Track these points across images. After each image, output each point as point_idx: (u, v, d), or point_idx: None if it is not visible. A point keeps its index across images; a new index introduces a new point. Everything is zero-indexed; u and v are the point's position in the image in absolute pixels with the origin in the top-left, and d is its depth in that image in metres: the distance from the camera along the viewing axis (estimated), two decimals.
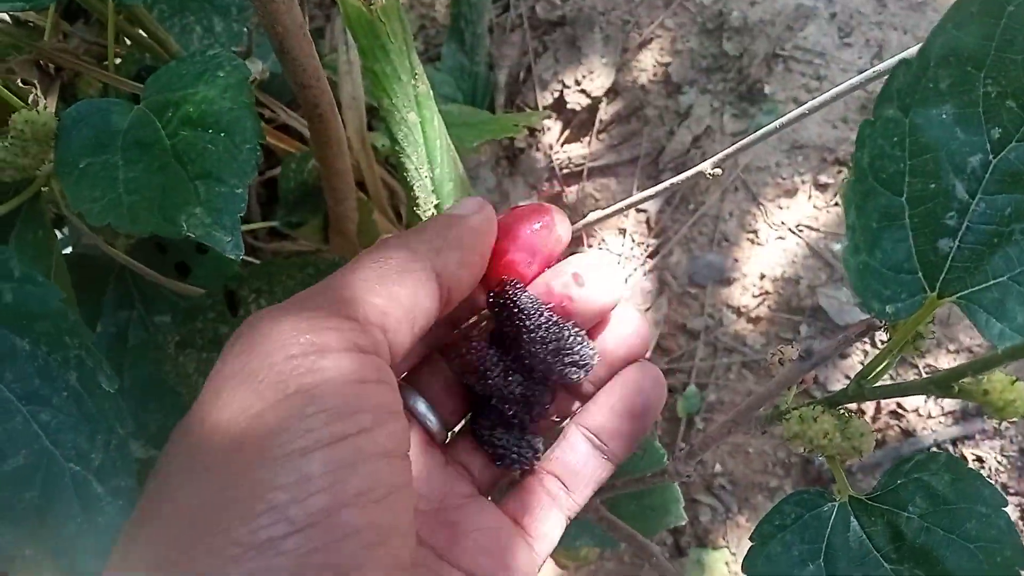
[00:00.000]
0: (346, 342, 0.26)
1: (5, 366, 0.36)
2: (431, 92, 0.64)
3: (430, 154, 0.66)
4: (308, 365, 0.25)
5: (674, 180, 0.72)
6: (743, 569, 0.37)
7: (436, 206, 0.69)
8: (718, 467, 1.09)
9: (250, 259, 0.89)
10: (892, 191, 0.31)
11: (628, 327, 0.38)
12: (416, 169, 0.65)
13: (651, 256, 1.10)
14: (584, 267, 0.36)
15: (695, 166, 1.04)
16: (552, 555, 0.72)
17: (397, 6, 0.58)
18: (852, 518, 0.37)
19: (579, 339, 0.35)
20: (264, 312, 0.27)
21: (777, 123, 0.63)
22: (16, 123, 0.41)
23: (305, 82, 0.44)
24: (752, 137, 0.64)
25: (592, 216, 0.79)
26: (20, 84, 0.69)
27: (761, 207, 1.10)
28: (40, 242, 0.46)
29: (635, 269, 1.10)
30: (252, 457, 0.23)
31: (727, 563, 1.11)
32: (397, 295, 0.29)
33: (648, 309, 1.09)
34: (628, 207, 0.76)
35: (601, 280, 0.36)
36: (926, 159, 0.31)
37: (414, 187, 0.66)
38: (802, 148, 1.09)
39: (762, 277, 1.09)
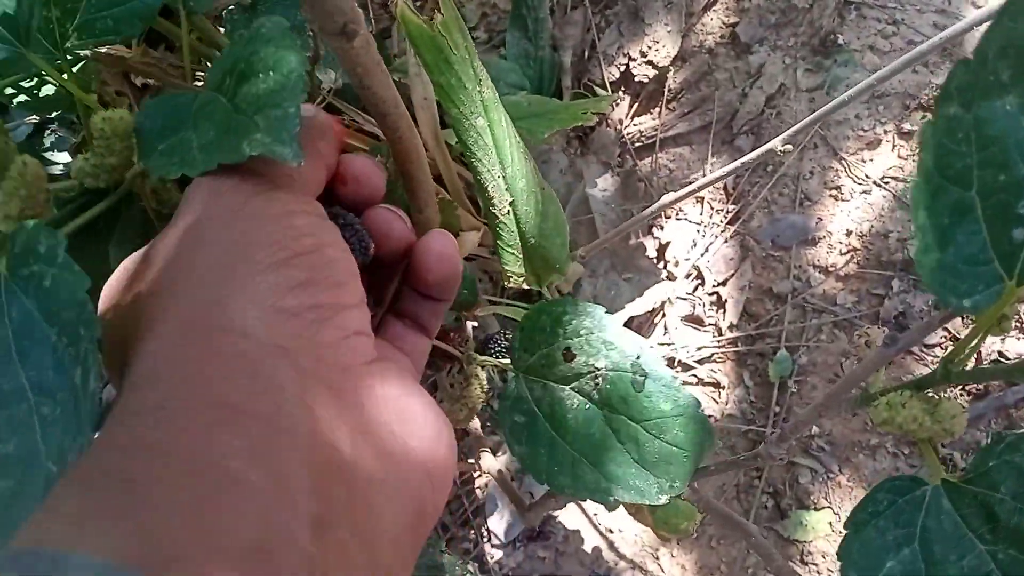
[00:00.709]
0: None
1: (31, 352, 0.39)
2: (497, 95, 0.67)
3: (500, 155, 0.68)
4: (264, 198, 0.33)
5: (745, 159, 0.72)
6: (838, 556, 0.38)
7: (511, 203, 0.71)
8: (815, 428, 1.09)
9: None
10: (961, 186, 0.32)
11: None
12: (488, 171, 0.68)
13: (731, 222, 1.09)
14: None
15: (770, 127, 1.03)
16: (653, 528, 0.74)
17: (456, 18, 0.60)
18: (945, 501, 0.38)
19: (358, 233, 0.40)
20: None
21: (846, 96, 0.62)
22: (95, 124, 0.44)
23: (385, 111, 0.46)
24: (825, 109, 0.63)
25: (666, 198, 0.80)
26: (115, 94, 0.74)
27: (843, 162, 1.08)
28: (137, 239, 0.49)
29: (715, 237, 1.10)
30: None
31: (830, 523, 1.11)
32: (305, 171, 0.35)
33: (732, 276, 1.09)
34: (701, 188, 0.77)
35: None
36: (994, 151, 0.32)
37: (488, 188, 0.69)
38: (882, 97, 1.06)
39: (848, 234, 1.07)
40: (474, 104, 0.64)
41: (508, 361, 0.64)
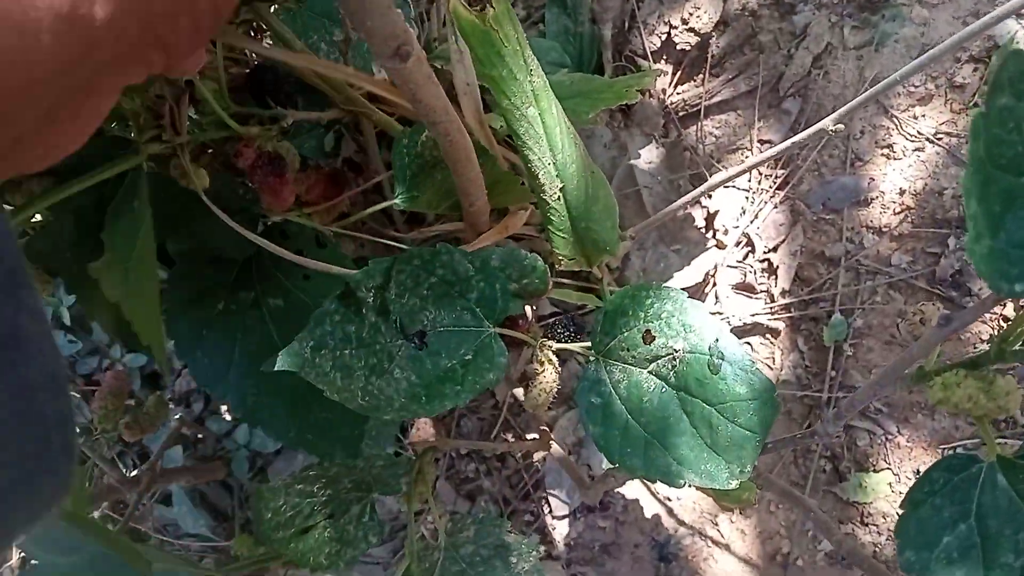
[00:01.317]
0: None
1: None
2: (547, 82, 0.68)
3: (551, 142, 0.69)
4: None
5: (795, 139, 0.72)
6: (895, 534, 0.40)
7: (561, 189, 0.73)
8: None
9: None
10: (1013, 174, 0.33)
11: None
12: (540, 158, 0.69)
13: (780, 187, 1.09)
14: None
15: (817, 88, 1.02)
16: (715, 499, 0.76)
17: (508, 10, 0.61)
18: (1000, 477, 0.40)
19: None
20: None
21: (897, 75, 0.62)
22: None
23: (435, 119, 0.48)
24: (877, 87, 0.63)
25: (716, 178, 0.81)
26: None
27: (894, 119, 1.07)
28: (136, 217, 0.50)
29: (764, 203, 1.10)
30: None
31: (890, 484, 1.12)
32: None
33: (783, 241, 1.09)
34: (753, 167, 0.77)
35: None
36: None
37: (539, 175, 0.70)
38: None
39: (902, 192, 1.06)
40: (525, 94, 0.66)
41: (579, 345, 0.66)
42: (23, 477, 0.20)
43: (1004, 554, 0.37)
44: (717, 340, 0.56)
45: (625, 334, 0.60)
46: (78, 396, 1.21)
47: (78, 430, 1.16)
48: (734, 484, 0.52)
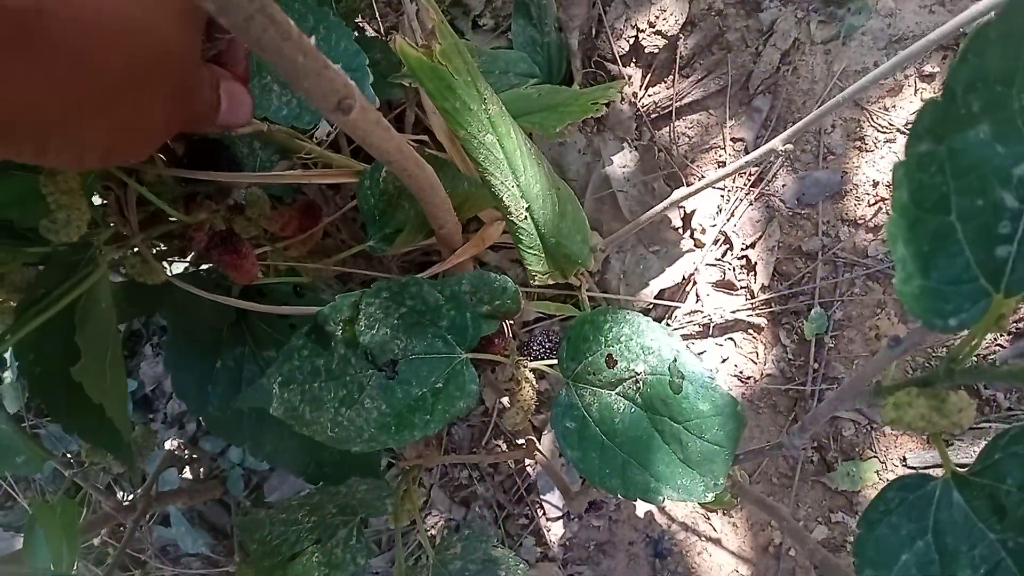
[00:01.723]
0: None
1: None
2: (503, 108, 0.69)
3: (512, 165, 0.70)
4: None
5: (748, 158, 0.73)
6: (854, 554, 0.41)
7: (527, 209, 0.74)
8: None
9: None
10: (940, 213, 0.34)
11: None
12: (502, 182, 0.70)
13: (755, 185, 1.10)
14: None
15: (787, 84, 1.03)
16: (698, 502, 0.78)
17: (456, 43, 0.62)
18: (956, 494, 0.41)
19: None
20: None
21: (863, 81, 0.63)
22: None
23: (389, 159, 0.50)
24: (844, 94, 0.64)
25: (678, 193, 0.82)
26: None
27: (865, 111, 1.08)
28: (105, 319, 0.53)
29: (739, 201, 1.11)
30: None
31: (877, 472, 1.13)
32: None
33: (760, 238, 1.10)
34: (725, 176, 0.78)
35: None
36: (970, 178, 0.33)
37: (503, 198, 0.72)
38: (900, 41, 1.06)
39: (875, 184, 1.07)
40: (480, 123, 0.67)
41: (555, 363, 0.67)
42: None
43: (962, 570, 0.38)
44: (675, 360, 0.57)
45: (589, 359, 0.61)
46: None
47: (69, 458, 1.17)
48: (710, 497, 0.53)
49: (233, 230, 0.62)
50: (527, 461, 1.20)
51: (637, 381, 0.58)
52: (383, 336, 0.64)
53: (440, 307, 0.66)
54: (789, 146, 0.63)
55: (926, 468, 1.14)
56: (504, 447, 1.20)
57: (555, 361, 0.72)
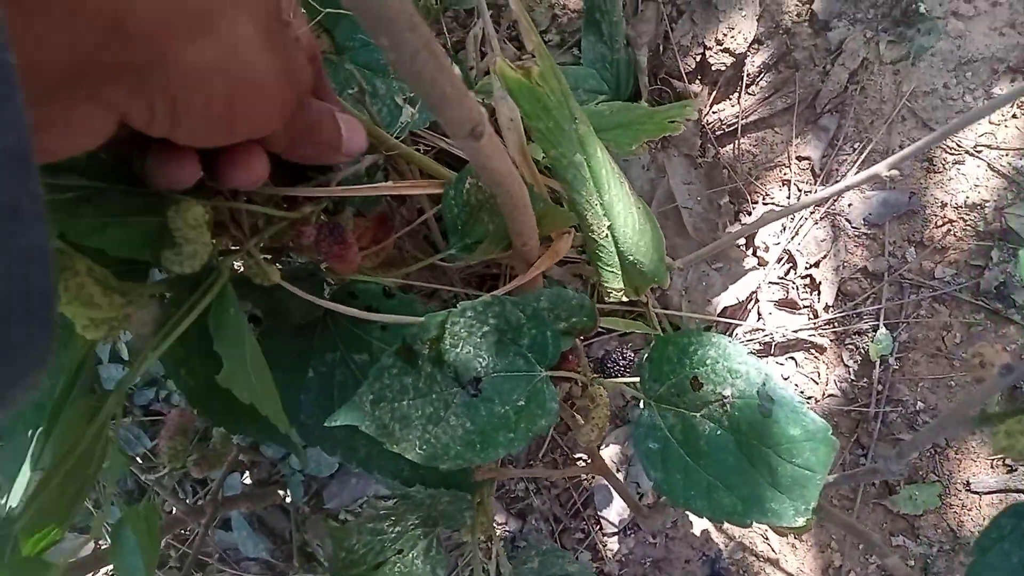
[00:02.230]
0: None
1: None
2: (591, 127, 0.70)
3: (597, 184, 0.71)
4: None
5: (848, 183, 0.73)
6: None
7: (609, 227, 0.75)
8: (920, 404, 1.10)
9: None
10: None
11: None
12: (587, 200, 0.72)
13: (820, 204, 1.10)
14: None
15: (854, 103, 1.03)
16: (770, 526, 0.77)
17: (552, 65, 0.64)
18: None
19: None
20: None
21: (943, 130, 0.63)
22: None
23: (500, 181, 0.51)
24: (942, 131, 0.64)
25: (759, 217, 0.82)
26: None
27: (933, 132, 1.07)
28: (236, 325, 0.55)
29: (804, 219, 1.11)
30: None
31: (939, 495, 1.12)
32: None
33: (824, 257, 1.10)
34: (808, 205, 0.78)
35: None
36: None
37: (587, 216, 0.73)
38: (969, 63, 1.05)
39: (943, 206, 1.07)
40: (571, 143, 0.68)
41: (632, 380, 0.68)
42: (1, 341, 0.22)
43: None
44: (764, 384, 0.57)
45: (673, 380, 0.61)
46: (136, 426, 1.25)
47: (139, 461, 1.20)
48: (801, 522, 0.53)
49: (338, 223, 0.64)
50: (583, 476, 1.21)
51: (724, 404, 0.58)
52: (467, 354, 0.65)
53: (522, 326, 0.67)
54: (895, 172, 0.63)
55: (989, 492, 1.12)
56: (559, 461, 1.21)
57: (629, 379, 0.73)
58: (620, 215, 0.74)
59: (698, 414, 0.60)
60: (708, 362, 0.59)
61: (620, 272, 0.78)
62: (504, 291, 0.80)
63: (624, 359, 0.80)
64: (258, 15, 0.35)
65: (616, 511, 1.19)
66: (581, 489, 1.22)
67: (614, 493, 1.19)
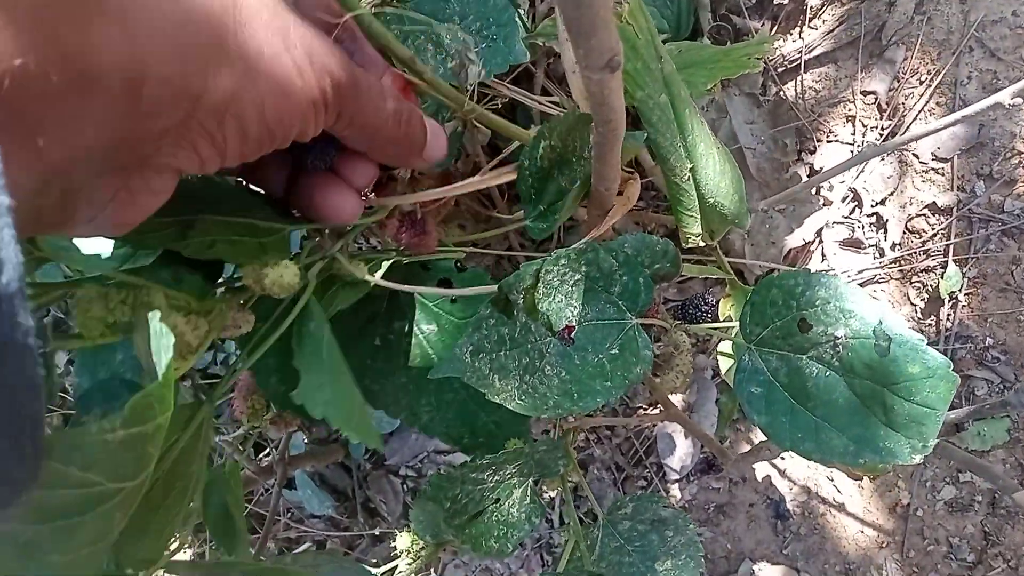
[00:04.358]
0: None
1: None
2: (674, 67, 0.69)
3: (681, 125, 0.71)
4: None
5: (967, 111, 0.72)
6: None
7: (691, 169, 0.75)
8: (988, 340, 1.10)
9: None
10: None
11: None
12: (671, 143, 0.72)
13: (887, 139, 1.09)
14: None
15: (921, 35, 1.01)
16: (848, 471, 0.78)
17: (640, 4, 0.63)
18: None
19: None
20: None
21: None
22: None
23: (612, 118, 0.51)
24: None
25: (849, 161, 0.81)
26: None
27: (1001, 62, 1.06)
28: (315, 337, 0.57)
29: None
30: None
31: (1008, 430, 1.13)
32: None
33: (891, 194, 1.10)
34: (916, 138, 0.77)
35: None
36: None
37: (670, 159, 0.73)
38: None
39: (1012, 137, 1.06)
40: (656, 83, 0.68)
41: (717, 326, 0.68)
42: None
43: None
44: (881, 323, 0.58)
45: (777, 323, 0.62)
46: (195, 390, 1.27)
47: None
48: (918, 459, 0.54)
49: (417, 215, 0.64)
50: (645, 424, 1.22)
51: (835, 345, 0.59)
52: (559, 303, 0.66)
53: (613, 272, 0.68)
54: (1019, 99, 0.63)
55: None
56: (619, 411, 1.22)
57: (718, 324, 0.73)
58: (702, 156, 0.74)
59: (804, 356, 0.60)
60: (818, 303, 0.60)
61: (699, 216, 0.78)
62: (589, 238, 0.81)
63: (706, 304, 0.81)
64: (261, 19, 0.36)
65: (679, 458, 1.21)
66: (643, 438, 1.23)
67: (676, 440, 1.21)
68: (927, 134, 0.69)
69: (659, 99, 0.68)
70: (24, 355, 0.24)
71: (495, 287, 0.72)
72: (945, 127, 0.69)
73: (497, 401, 0.62)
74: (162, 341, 0.41)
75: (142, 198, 0.36)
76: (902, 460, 0.56)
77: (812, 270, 0.83)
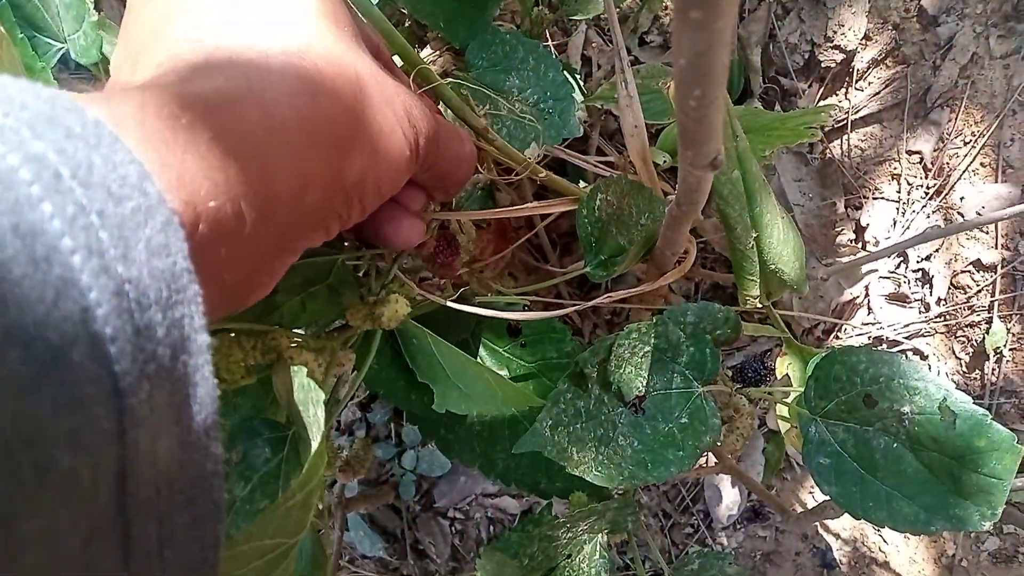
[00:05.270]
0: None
1: None
2: (748, 145, 0.73)
3: (750, 198, 0.75)
4: None
5: (1013, 211, 0.75)
6: None
7: (756, 238, 0.78)
8: None
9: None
10: None
11: None
12: (739, 214, 0.76)
13: (932, 198, 1.12)
14: None
15: (965, 99, 1.05)
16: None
17: (725, 95, 0.67)
18: None
19: None
20: None
21: None
22: None
23: (694, 200, 0.55)
24: None
25: (924, 234, 0.84)
26: None
27: None
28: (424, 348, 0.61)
29: (915, 213, 1.13)
30: None
31: None
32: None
33: (936, 251, 1.13)
34: (994, 221, 0.80)
35: None
36: None
37: (736, 228, 0.77)
38: None
39: None
40: (731, 159, 0.72)
41: (776, 389, 0.72)
42: None
43: None
44: (945, 400, 0.61)
45: (843, 398, 0.65)
46: None
47: None
48: (987, 526, 0.57)
49: (453, 236, 0.68)
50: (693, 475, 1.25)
51: (902, 420, 0.62)
52: (629, 374, 0.69)
53: (680, 343, 0.71)
54: None
55: None
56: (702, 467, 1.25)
57: (779, 389, 0.76)
58: (767, 226, 0.77)
59: (871, 428, 0.63)
60: (882, 380, 0.63)
61: (759, 279, 0.82)
62: (636, 292, 0.84)
63: (764, 367, 0.84)
64: (377, 95, 0.39)
65: (726, 507, 1.23)
66: (688, 485, 1.26)
67: (722, 489, 1.24)
68: (988, 222, 0.72)
69: (732, 175, 0.72)
70: (213, 483, 0.26)
71: (559, 312, 0.76)
72: (1007, 218, 0.72)
73: (575, 473, 0.65)
74: (311, 395, 0.45)
75: (275, 278, 0.40)
76: (972, 528, 0.59)
77: (856, 329, 0.86)
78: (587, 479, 0.64)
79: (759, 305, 0.85)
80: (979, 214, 1.12)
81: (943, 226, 1.13)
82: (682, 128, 0.42)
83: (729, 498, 1.23)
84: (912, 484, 0.61)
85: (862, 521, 1.24)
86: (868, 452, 0.62)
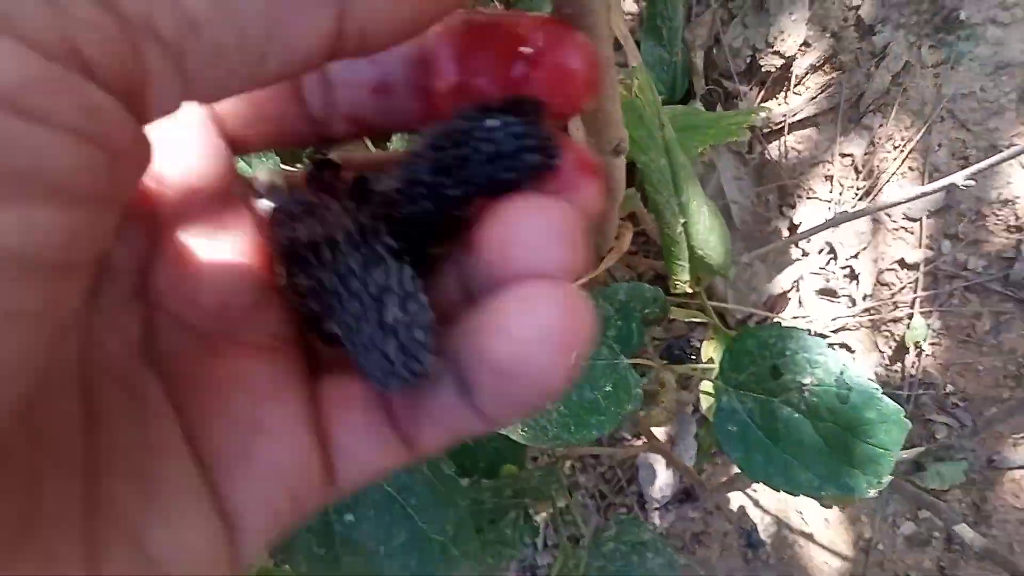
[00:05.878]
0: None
1: None
2: (674, 135, 0.78)
3: (677, 186, 0.80)
4: None
5: (926, 189, 0.81)
6: None
7: (684, 224, 0.84)
8: (949, 387, 1.19)
9: None
10: None
11: None
12: (666, 201, 0.80)
13: (862, 198, 1.19)
14: None
15: (896, 105, 1.10)
16: (818, 499, 0.87)
17: (648, 79, 0.72)
18: None
19: None
20: None
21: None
22: None
23: (613, 187, 0.59)
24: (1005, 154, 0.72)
25: (831, 220, 0.90)
26: None
27: (969, 132, 1.16)
28: None
29: (845, 213, 1.19)
30: None
31: (965, 472, 1.22)
32: None
33: (864, 249, 1.19)
34: (894, 205, 0.86)
35: None
36: None
37: (665, 215, 0.81)
38: (1006, 67, 1.14)
39: (977, 201, 1.15)
40: (658, 148, 0.76)
41: (699, 367, 0.77)
42: None
43: None
44: (842, 373, 0.66)
45: (753, 370, 0.70)
46: None
47: None
48: (872, 493, 0.63)
49: None
50: (628, 455, 1.31)
51: (803, 391, 0.67)
52: None
53: (609, 318, 0.76)
54: (971, 182, 0.71)
55: (1011, 468, 1.22)
56: (604, 441, 1.30)
57: (702, 366, 0.81)
58: (694, 213, 0.82)
59: (776, 399, 0.68)
60: (788, 353, 0.68)
61: (689, 265, 0.87)
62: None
63: (690, 346, 0.89)
64: None
65: (659, 487, 1.29)
66: (625, 467, 1.31)
67: (656, 471, 1.29)
68: (901, 202, 0.77)
69: (659, 162, 0.76)
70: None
71: None
72: (917, 197, 0.78)
73: (502, 432, 0.70)
74: None
75: None
76: (860, 494, 0.64)
77: (786, 321, 0.91)
78: (512, 438, 0.69)
79: (688, 290, 0.90)
80: (905, 215, 1.18)
81: (871, 226, 1.19)
82: (583, 118, 0.46)
83: (662, 479, 1.28)
84: (809, 453, 0.66)
85: (787, 503, 1.30)
86: (772, 422, 0.68)
